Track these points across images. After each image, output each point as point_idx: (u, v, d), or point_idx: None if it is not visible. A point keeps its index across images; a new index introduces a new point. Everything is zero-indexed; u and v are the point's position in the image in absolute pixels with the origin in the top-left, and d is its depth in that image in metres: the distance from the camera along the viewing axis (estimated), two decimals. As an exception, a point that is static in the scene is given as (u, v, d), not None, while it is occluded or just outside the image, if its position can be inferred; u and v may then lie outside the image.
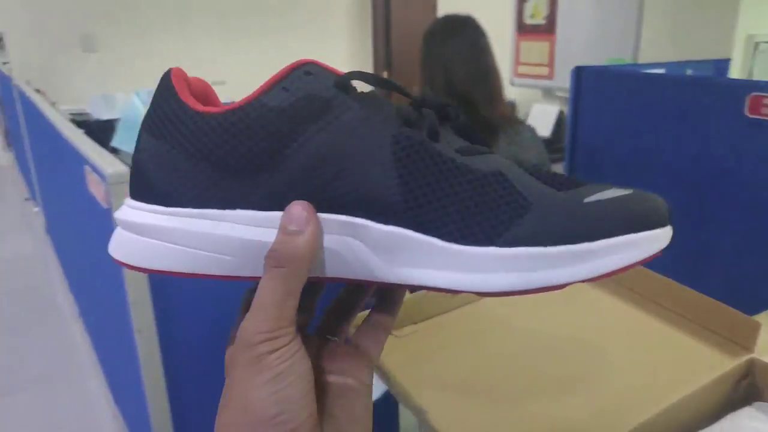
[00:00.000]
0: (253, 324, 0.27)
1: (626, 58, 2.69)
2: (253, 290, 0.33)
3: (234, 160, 0.29)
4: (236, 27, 4.17)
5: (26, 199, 4.48)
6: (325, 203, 0.29)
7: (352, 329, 0.36)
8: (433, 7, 4.20)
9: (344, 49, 4.74)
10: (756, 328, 0.58)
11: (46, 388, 2.24)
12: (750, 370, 0.57)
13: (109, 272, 1.16)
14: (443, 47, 1.32)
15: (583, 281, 0.27)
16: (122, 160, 0.96)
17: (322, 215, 0.29)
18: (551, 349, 0.62)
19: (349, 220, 0.29)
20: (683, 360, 0.59)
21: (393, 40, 4.61)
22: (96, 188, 1.02)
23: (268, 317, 0.27)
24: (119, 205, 0.33)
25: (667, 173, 1.34)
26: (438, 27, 1.37)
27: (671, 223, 0.29)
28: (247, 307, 0.33)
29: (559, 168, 1.56)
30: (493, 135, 1.33)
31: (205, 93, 0.33)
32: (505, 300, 0.46)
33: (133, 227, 0.31)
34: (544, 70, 3.17)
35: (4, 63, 4.45)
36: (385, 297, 0.35)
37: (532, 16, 3.19)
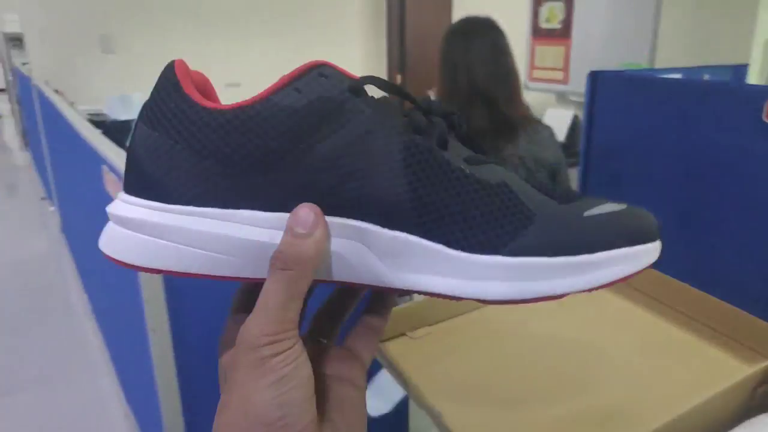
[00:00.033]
0: (257, 326, 0.27)
1: (642, 63, 2.67)
2: (244, 291, 0.34)
3: (242, 159, 0.28)
4: (251, 29, 4.19)
5: (42, 199, 4.53)
6: (332, 206, 0.28)
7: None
8: (448, 10, 4.20)
9: (358, 50, 4.76)
10: (774, 335, 0.58)
11: (59, 385, 2.27)
12: (767, 377, 0.56)
13: (123, 271, 1.17)
14: (465, 48, 1.36)
15: (581, 291, 0.28)
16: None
17: (329, 218, 0.28)
18: (566, 352, 0.61)
19: (356, 224, 0.29)
20: (700, 366, 0.59)
21: (407, 42, 4.61)
22: (113, 188, 1.03)
23: (273, 319, 0.27)
24: None
25: (683, 179, 1.33)
26: (459, 28, 1.40)
27: (661, 238, 0.31)
28: (238, 309, 0.33)
29: (573, 173, 1.55)
30: (514, 133, 1.35)
31: (204, 87, 0.32)
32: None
33: (128, 223, 0.30)
34: (559, 75, 3.16)
35: (24, 63, 4.51)
36: (377, 300, 0.35)
37: (548, 21, 3.18)
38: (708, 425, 0.52)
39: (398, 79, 4.70)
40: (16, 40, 5.58)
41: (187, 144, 0.28)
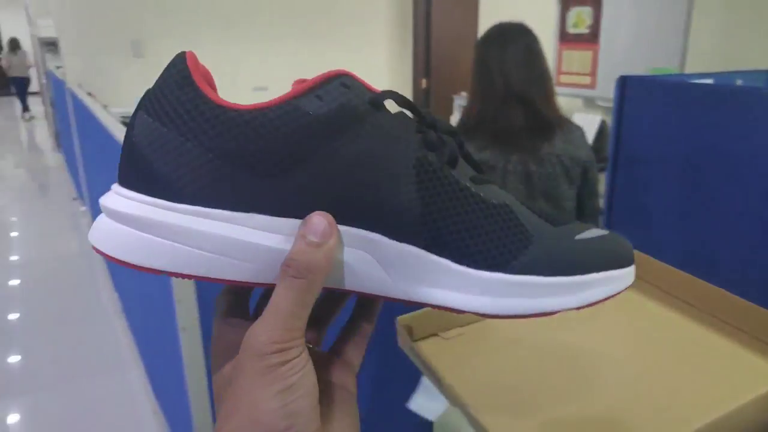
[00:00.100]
0: (266, 333, 0.26)
1: (672, 68, 2.64)
2: (231, 293, 0.33)
3: (257, 162, 0.28)
4: (279, 33, 4.24)
5: (74, 199, 4.63)
6: (344, 215, 0.28)
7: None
8: (474, 15, 4.20)
9: (384, 55, 4.77)
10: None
11: (89, 382, 2.31)
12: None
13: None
14: (501, 52, 1.40)
15: (572, 309, 0.30)
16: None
17: (340, 227, 0.29)
18: (600, 354, 0.62)
19: (365, 234, 0.29)
20: (737, 370, 0.59)
21: (433, 47, 4.62)
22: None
23: (282, 327, 0.27)
24: None
25: (713, 186, 1.31)
26: (494, 34, 1.45)
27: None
28: (227, 312, 0.32)
29: (601, 178, 1.54)
30: (551, 133, 1.39)
31: (209, 82, 0.31)
32: None
33: (126, 219, 0.28)
34: (587, 80, 3.13)
35: (58, 67, 4.63)
36: (365, 305, 0.35)
37: (575, 25, 3.16)
38: (745, 429, 0.52)
39: (423, 83, 4.70)
40: (50, 45, 5.73)
41: (199, 142, 0.28)
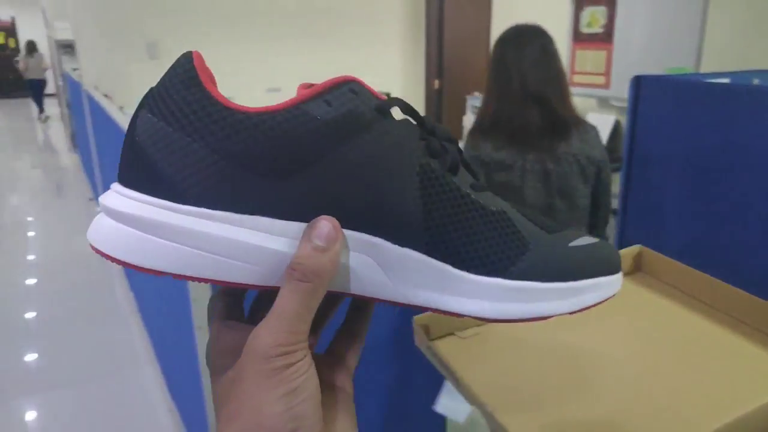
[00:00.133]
0: (272, 336, 0.26)
1: (688, 67, 2.62)
2: (228, 295, 0.33)
3: (265, 164, 0.28)
4: (292, 35, 4.26)
5: (90, 200, 4.69)
6: (348, 219, 0.29)
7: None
8: (487, 15, 4.19)
9: (397, 56, 4.78)
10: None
11: (105, 381, 2.33)
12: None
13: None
14: (517, 53, 1.44)
15: (565, 314, 0.31)
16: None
17: (344, 231, 0.29)
18: (616, 354, 0.62)
19: (368, 238, 0.29)
20: (755, 370, 0.58)
21: (446, 47, 4.61)
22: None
23: (288, 330, 0.27)
24: None
25: (729, 186, 1.30)
26: (511, 35, 1.48)
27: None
28: (223, 315, 0.32)
29: (615, 178, 1.53)
30: (568, 132, 1.42)
31: (213, 83, 0.31)
32: None
33: (127, 219, 0.28)
34: (601, 79, 3.12)
35: (74, 69, 4.68)
36: (360, 307, 0.35)
37: (589, 25, 3.14)
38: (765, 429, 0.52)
39: (436, 84, 4.70)
40: (67, 47, 5.80)
41: (206, 143, 0.28)
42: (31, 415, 2.16)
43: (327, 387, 0.31)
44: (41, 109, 9.58)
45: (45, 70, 9.55)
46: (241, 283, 0.29)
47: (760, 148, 1.23)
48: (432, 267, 0.30)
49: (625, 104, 2.95)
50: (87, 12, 3.75)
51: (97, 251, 0.29)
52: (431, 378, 0.98)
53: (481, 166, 1.47)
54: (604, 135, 3.00)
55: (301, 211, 0.28)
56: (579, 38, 3.21)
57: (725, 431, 0.50)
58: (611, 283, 0.33)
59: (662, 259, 0.81)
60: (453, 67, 4.63)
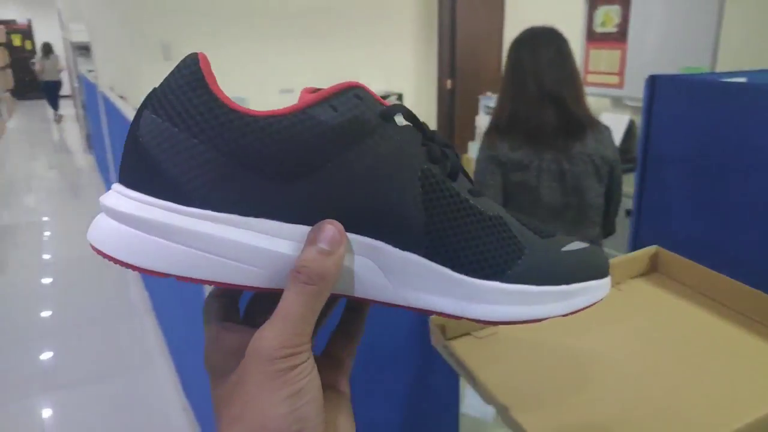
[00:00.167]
0: (277, 338, 0.27)
1: (703, 67, 2.59)
2: (223, 297, 0.33)
3: (271, 167, 0.28)
4: (305, 35, 4.27)
5: (105, 200, 4.73)
6: (351, 223, 0.29)
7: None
8: (500, 15, 4.18)
9: (410, 56, 4.78)
10: None
11: (120, 379, 2.35)
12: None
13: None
14: (533, 55, 1.48)
15: (558, 316, 0.32)
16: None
17: (347, 234, 0.29)
18: (632, 354, 0.62)
19: (370, 242, 0.30)
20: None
21: (458, 47, 4.60)
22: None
23: (293, 332, 0.27)
24: None
25: (746, 187, 1.29)
26: (527, 37, 1.52)
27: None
28: (221, 317, 0.32)
29: (631, 179, 1.53)
30: (583, 132, 1.46)
31: (217, 84, 0.32)
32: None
33: (129, 220, 0.28)
34: (614, 79, 3.10)
35: (89, 71, 4.73)
36: (355, 309, 0.36)
37: (603, 24, 3.13)
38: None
39: (449, 84, 4.70)
40: (82, 49, 5.86)
41: (213, 145, 0.28)
42: (46, 413, 2.18)
43: (326, 389, 0.31)
44: (56, 110, 9.69)
45: (60, 71, 9.66)
46: (245, 286, 0.29)
47: (778, 147, 1.22)
48: (432, 270, 0.30)
49: (639, 104, 2.93)
50: (102, 14, 3.79)
51: (99, 252, 0.28)
52: (445, 379, 0.98)
53: (498, 165, 1.49)
54: (618, 135, 2.98)
55: (305, 215, 0.29)
56: (593, 38, 3.19)
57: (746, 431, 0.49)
58: (601, 287, 0.34)
59: (679, 259, 0.81)
60: (465, 66, 4.62)
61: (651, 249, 0.86)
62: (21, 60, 11.94)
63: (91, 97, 4.46)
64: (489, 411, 0.67)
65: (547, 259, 0.32)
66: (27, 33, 12.66)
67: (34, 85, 11.13)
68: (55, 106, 9.69)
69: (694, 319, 0.69)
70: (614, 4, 3.04)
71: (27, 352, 2.56)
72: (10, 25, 12.27)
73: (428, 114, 4.88)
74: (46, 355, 2.56)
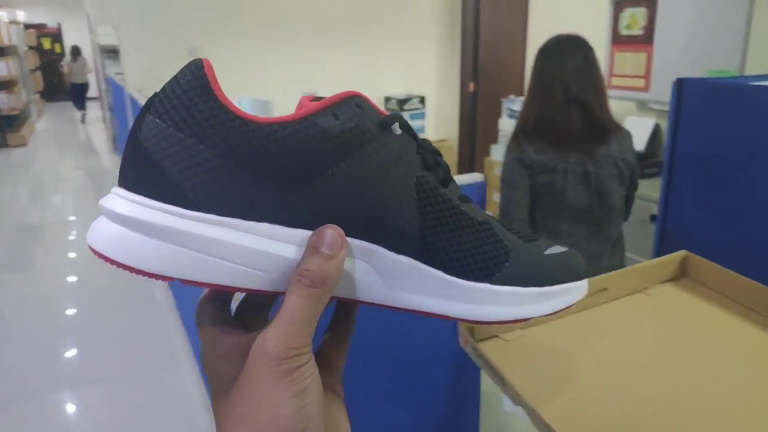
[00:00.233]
0: (282, 339, 0.27)
1: (732, 70, 2.55)
2: (217, 300, 0.33)
3: (275, 173, 0.29)
4: (329, 39, 4.29)
5: (130, 200, 4.80)
6: (351, 227, 0.30)
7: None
8: (524, 18, 4.16)
9: (432, 58, 4.77)
10: None
11: (143, 377, 2.38)
12: None
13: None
14: (561, 62, 1.54)
15: (541, 316, 0.34)
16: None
17: (347, 239, 0.30)
18: (661, 359, 0.61)
19: (368, 246, 0.31)
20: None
21: (481, 50, 4.59)
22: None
23: (298, 334, 0.28)
24: None
25: (777, 191, 1.26)
26: (554, 44, 1.58)
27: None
28: (218, 320, 0.32)
29: (656, 184, 1.51)
30: (608, 136, 1.52)
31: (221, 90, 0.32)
32: (608, 310, 0.48)
33: (132, 223, 0.28)
34: (640, 82, 3.06)
35: (117, 74, 4.81)
36: (345, 310, 0.37)
37: (628, 27, 3.09)
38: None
39: (471, 86, 4.68)
40: (110, 52, 5.96)
41: (219, 151, 0.28)
42: (70, 409, 2.22)
43: (325, 390, 0.32)
44: (83, 111, 9.88)
45: (89, 73, 9.86)
46: (248, 289, 0.30)
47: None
48: (426, 273, 0.32)
49: (665, 108, 2.89)
50: (132, 18, 3.85)
51: (100, 255, 0.29)
52: (466, 381, 0.98)
53: (525, 167, 1.55)
54: (643, 139, 2.95)
55: (307, 219, 0.30)
56: (618, 40, 3.16)
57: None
58: (580, 288, 0.36)
59: (708, 264, 0.80)
60: (488, 69, 4.61)
61: (680, 254, 0.85)
62: (50, 63, 12.19)
63: (118, 100, 4.53)
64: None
65: (531, 262, 0.34)
66: (57, 36, 12.93)
67: (63, 87, 11.36)
68: (82, 106, 9.88)
69: (724, 325, 0.68)
70: (640, 6, 3.01)
71: (52, 349, 2.61)
72: (40, 29, 12.55)
73: (450, 116, 4.87)
74: (71, 353, 2.60)
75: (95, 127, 9.34)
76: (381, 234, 0.31)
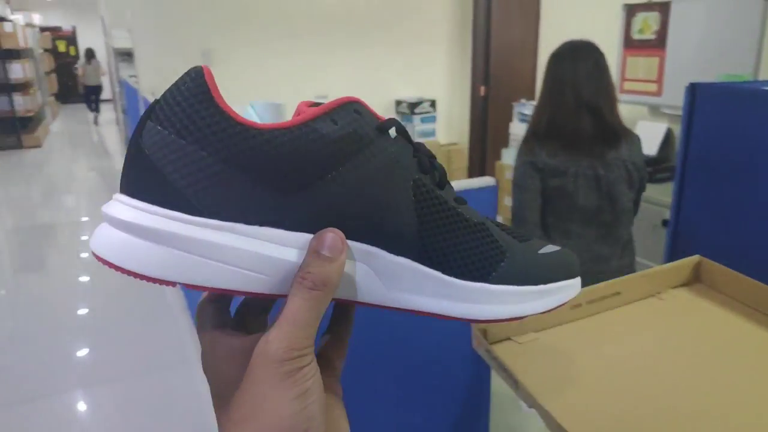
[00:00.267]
0: (286, 341, 0.28)
1: (746, 75, 2.53)
2: (216, 302, 0.34)
3: (276, 178, 0.29)
4: (340, 42, 4.31)
5: (142, 201, 4.83)
6: (350, 230, 0.31)
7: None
8: (536, 23, 4.15)
9: (443, 62, 4.77)
10: None
11: (155, 377, 2.40)
12: None
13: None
14: (573, 68, 1.57)
15: (536, 314, 0.34)
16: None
17: (347, 241, 0.31)
18: (675, 363, 0.61)
19: (367, 248, 0.32)
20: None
21: (492, 54, 4.58)
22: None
23: (302, 335, 0.28)
24: None
25: (792, 197, 1.25)
26: (566, 50, 1.61)
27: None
28: (219, 322, 0.33)
29: (668, 188, 1.51)
30: (618, 141, 1.55)
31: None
32: (621, 314, 0.48)
33: (135, 230, 0.28)
34: (652, 87, 3.04)
35: (131, 76, 4.85)
36: (343, 312, 0.37)
37: (641, 31, 3.08)
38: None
39: (482, 91, 4.68)
40: (124, 55, 6.02)
41: (221, 157, 0.28)
42: (81, 408, 2.24)
43: (325, 391, 0.33)
44: (96, 113, 9.98)
45: (102, 75, 9.96)
46: (250, 292, 0.30)
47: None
48: (425, 274, 0.32)
49: (677, 112, 2.87)
50: (145, 21, 3.89)
51: (104, 262, 0.29)
52: (476, 384, 0.98)
53: (536, 171, 1.57)
54: (656, 143, 2.93)
55: (308, 223, 0.30)
56: (630, 45, 3.15)
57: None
58: (573, 286, 0.36)
59: (723, 269, 0.79)
60: (500, 73, 4.60)
61: (693, 258, 0.85)
62: (65, 65, 12.33)
63: (131, 102, 4.57)
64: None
65: (526, 261, 0.35)
66: (71, 39, 13.08)
67: (77, 89, 11.47)
68: (95, 108, 9.98)
69: (738, 330, 0.68)
70: (653, 10, 2.99)
71: (64, 349, 2.63)
72: (55, 32, 12.70)
73: (461, 120, 4.87)
74: (83, 352, 2.62)
75: (108, 128, 9.43)
76: (380, 236, 0.32)
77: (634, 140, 1.60)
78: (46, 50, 11.04)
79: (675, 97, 2.93)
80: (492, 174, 3.85)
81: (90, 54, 9.92)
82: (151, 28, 3.88)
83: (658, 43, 2.99)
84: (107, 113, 10.29)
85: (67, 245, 4.10)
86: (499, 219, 3.64)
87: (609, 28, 3.16)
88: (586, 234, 1.57)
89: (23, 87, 8.04)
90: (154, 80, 3.83)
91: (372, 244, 0.32)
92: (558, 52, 1.63)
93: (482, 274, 0.33)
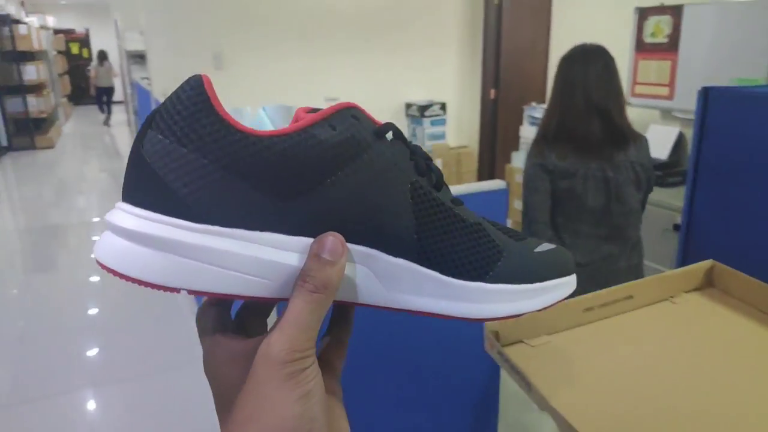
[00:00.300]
0: (288, 343, 0.28)
1: (759, 79, 2.52)
2: (217, 307, 0.34)
3: (276, 184, 0.30)
4: (350, 45, 4.32)
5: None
6: (350, 233, 0.31)
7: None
8: (546, 26, 4.15)
9: (453, 65, 4.77)
10: None
11: (165, 377, 2.41)
12: None
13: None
14: (583, 71, 1.59)
15: (533, 311, 0.35)
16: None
17: (347, 244, 0.31)
18: (687, 367, 0.61)
19: (367, 250, 0.32)
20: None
21: (503, 57, 4.58)
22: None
23: (304, 337, 0.29)
24: None
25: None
26: (577, 54, 1.63)
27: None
28: (217, 328, 0.33)
29: (679, 192, 1.51)
30: (626, 143, 1.57)
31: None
32: (634, 317, 0.47)
33: (139, 237, 0.29)
34: (664, 90, 3.03)
35: (143, 78, 4.89)
36: (343, 313, 0.37)
37: (653, 35, 3.07)
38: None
39: (493, 94, 4.68)
40: (136, 57, 6.06)
41: (221, 165, 0.29)
42: (91, 407, 2.25)
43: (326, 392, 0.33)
44: (108, 114, 10.06)
45: (114, 77, 10.05)
46: (251, 296, 0.30)
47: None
48: (423, 274, 0.33)
49: (689, 116, 2.85)
50: (158, 24, 3.91)
51: (109, 270, 0.29)
52: (485, 386, 0.97)
53: (546, 173, 1.59)
54: (667, 147, 2.92)
55: (308, 227, 0.31)
56: (642, 48, 3.14)
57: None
58: (569, 283, 0.37)
59: (736, 274, 0.79)
60: (510, 76, 4.59)
61: (706, 263, 0.84)
62: (78, 67, 12.44)
63: (143, 104, 4.60)
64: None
65: (522, 260, 0.35)
66: (85, 41, 13.19)
67: (89, 91, 11.57)
68: (108, 110, 10.06)
69: (751, 334, 0.67)
70: (665, 14, 2.98)
71: (74, 348, 2.65)
72: (69, 34, 12.82)
73: (471, 123, 4.86)
74: (93, 352, 2.64)
75: (120, 130, 9.50)
76: (379, 238, 0.32)
77: (642, 142, 1.62)
78: (59, 52, 11.15)
79: (687, 101, 2.91)
80: (502, 177, 3.84)
81: (102, 56, 10.01)
82: (164, 31, 3.91)
83: (671, 47, 2.98)
84: (119, 115, 10.37)
85: (78, 246, 4.14)
86: (509, 222, 3.62)
87: (621, 31, 3.15)
88: (595, 234, 1.59)
89: (37, 88, 8.13)
90: (166, 82, 3.85)
91: (371, 247, 0.32)
92: (569, 55, 1.65)
93: (480, 274, 0.33)
